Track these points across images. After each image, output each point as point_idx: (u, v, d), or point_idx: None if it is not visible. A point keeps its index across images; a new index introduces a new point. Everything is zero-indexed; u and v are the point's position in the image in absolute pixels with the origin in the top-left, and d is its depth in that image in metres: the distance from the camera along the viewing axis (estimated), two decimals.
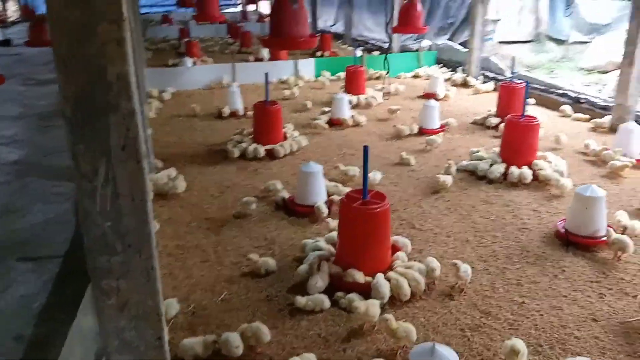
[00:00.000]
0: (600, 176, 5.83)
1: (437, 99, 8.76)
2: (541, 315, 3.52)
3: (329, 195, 5.14)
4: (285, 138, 6.92)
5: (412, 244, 4.28)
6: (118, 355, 2.29)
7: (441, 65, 12.08)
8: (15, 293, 3.84)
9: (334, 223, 4.52)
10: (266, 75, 6.85)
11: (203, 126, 8.03)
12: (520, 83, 7.76)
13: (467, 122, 7.97)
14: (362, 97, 9.03)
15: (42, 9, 22.37)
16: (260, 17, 22.86)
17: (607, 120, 7.50)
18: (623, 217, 4.50)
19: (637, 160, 6.01)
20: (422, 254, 4.28)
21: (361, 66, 9.45)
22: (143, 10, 20.87)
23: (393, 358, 3.13)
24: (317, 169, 5.02)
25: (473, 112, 8.46)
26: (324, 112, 8.23)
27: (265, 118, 6.74)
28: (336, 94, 8.24)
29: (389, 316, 3.18)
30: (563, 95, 8.84)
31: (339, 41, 17.39)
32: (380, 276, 3.65)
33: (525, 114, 5.87)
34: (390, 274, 3.72)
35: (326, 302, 3.60)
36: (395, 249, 4.07)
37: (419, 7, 8.47)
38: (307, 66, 11.39)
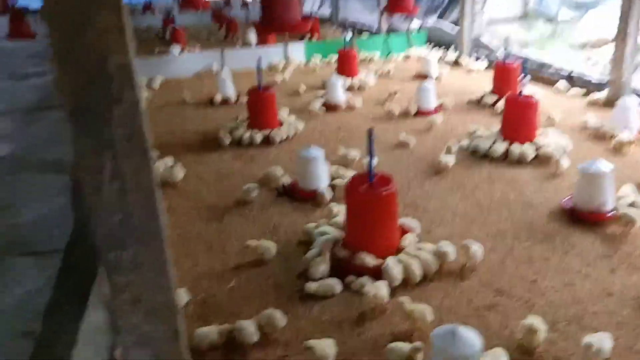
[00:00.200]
0: (600, 151, 5.81)
1: (428, 80, 8.68)
2: (555, 291, 3.49)
3: (332, 179, 5.06)
4: (280, 124, 6.81)
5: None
6: (135, 350, 2.22)
7: (432, 45, 11.98)
8: (19, 289, 3.72)
9: (337, 208, 4.44)
10: (258, 60, 6.72)
11: (195, 114, 7.88)
12: (515, 61, 7.71)
13: (462, 102, 7.91)
14: (355, 79, 8.93)
15: (20, 1, 21.81)
16: (244, 3, 22.54)
17: (602, 95, 7.48)
18: (630, 191, 4.48)
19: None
20: (430, 234, 4.23)
21: (353, 49, 9.32)
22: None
23: (409, 340, 3.08)
24: (318, 153, 4.93)
25: (468, 91, 8.40)
26: (318, 96, 8.11)
27: (260, 104, 6.62)
28: (330, 78, 8.13)
29: (404, 298, 3.13)
30: (557, 72, 8.81)
31: (326, 24, 17.18)
32: (390, 259, 3.60)
33: (524, 91, 5.82)
34: (401, 256, 3.68)
35: (337, 286, 3.55)
36: (403, 231, 4.01)
37: None
38: (297, 50, 11.23)
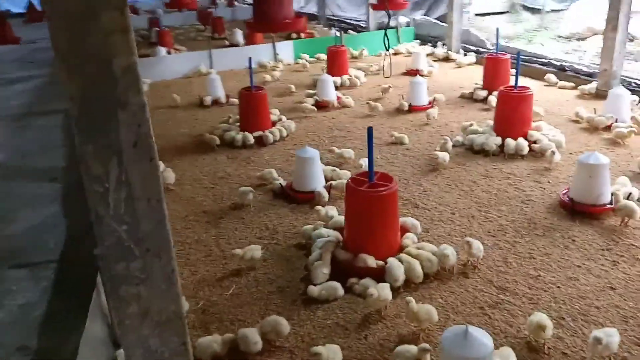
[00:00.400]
0: (594, 143, 5.83)
1: (421, 75, 8.66)
2: (558, 287, 3.48)
3: (326, 179, 5.02)
4: (273, 124, 6.75)
5: None
6: None
7: (420, 41, 11.96)
8: (13, 302, 3.64)
9: (332, 211, 4.39)
10: (250, 60, 6.65)
11: (186, 116, 7.78)
12: (505, 54, 7.72)
13: (454, 97, 7.90)
14: (345, 77, 8.88)
15: (4, 5, 21.46)
16: (230, 2, 22.38)
17: (592, 86, 7.51)
18: (626, 183, 4.49)
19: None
20: (430, 233, 4.21)
21: (342, 46, 9.27)
22: None
23: (416, 342, 3.05)
24: (313, 153, 4.88)
25: (459, 86, 8.40)
26: (309, 95, 8.05)
27: (252, 104, 6.55)
28: (320, 76, 8.07)
29: (410, 299, 3.10)
30: (546, 64, 8.83)
31: (313, 22, 17.10)
32: (392, 259, 3.57)
33: (518, 84, 5.80)
34: (402, 256, 3.64)
35: (340, 289, 3.50)
36: (403, 230, 3.98)
37: None
38: (285, 49, 11.15)
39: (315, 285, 3.52)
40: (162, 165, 5.63)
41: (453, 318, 3.26)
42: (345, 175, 5.07)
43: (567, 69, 8.50)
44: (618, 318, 3.16)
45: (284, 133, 6.58)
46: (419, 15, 13.08)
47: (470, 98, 7.73)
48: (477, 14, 13.53)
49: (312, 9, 18.86)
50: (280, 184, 5.03)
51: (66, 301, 3.60)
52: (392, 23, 12.85)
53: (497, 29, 7.83)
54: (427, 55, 10.47)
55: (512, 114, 5.72)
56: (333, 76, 8.40)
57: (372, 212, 3.65)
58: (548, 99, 7.47)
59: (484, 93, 7.57)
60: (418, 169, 5.46)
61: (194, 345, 3.03)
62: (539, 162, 5.40)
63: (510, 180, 5.07)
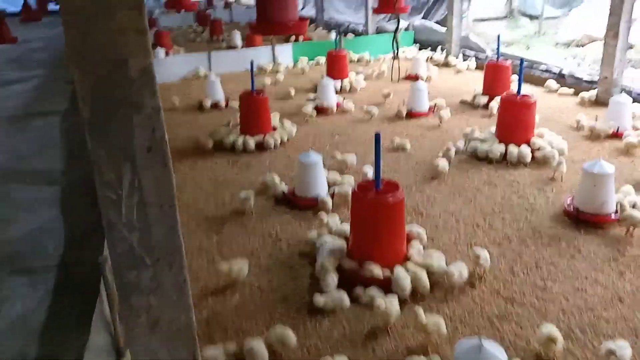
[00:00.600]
0: (596, 151, 5.83)
1: (420, 81, 8.64)
2: (566, 298, 3.45)
3: (329, 185, 4.98)
4: (274, 128, 6.70)
5: None
6: None
7: (419, 45, 11.96)
8: (12, 310, 3.57)
9: (335, 218, 4.34)
10: (251, 63, 6.60)
11: (186, 120, 7.72)
12: (506, 60, 7.72)
13: (454, 102, 7.88)
14: (345, 81, 8.85)
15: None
16: (227, 4, 22.33)
17: (593, 93, 7.51)
18: (631, 192, 4.48)
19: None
20: (435, 241, 4.17)
21: (342, 50, 9.24)
22: None
23: (424, 354, 3.01)
24: (316, 159, 4.84)
25: (459, 91, 8.39)
26: (310, 99, 8.01)
27: (253, 108, 6.50)
28: (321, 80, 8.03)
29: (419, 311, 3.06)
30: (547, 70, 8.84)
31: (311, 25, 17.08)
32: (399, 269, 3.52)
33: (520, 91, 5.79)
34: (409, 265, 3.60)
35: (346, 299, 3.45)
36: (409, 238, 3.94)
37: None
38: (284, 52, 11.12)
39: (324, 292, 3.47)
40: None
41: (461, 330, 3.22)
42: (349, 181, 5.02)
43: (566, 75, 8.50)
44: (627, 330, 3.13)
45: (285, 137, 6.53)
46: (417, 20, 13.09)
47: (471, 104, 7.72)
48: (475, 20, 13.57)
49: (310, 12, 18.85)
50: (282, 190, 4.98)
51: (68, 308, 3.54)
52: (392, 27, 12.88)
53: (498, 36, 7.83)
54: (427, 60, 10.46)
55: (515, 121, 5.71)
56: (333, 80, 8.37)
57: (379, 220, 3.61)
58: (548, 106, 7.46)
59: (484, 99, 7.56)
60: (421, 175, 5.43)
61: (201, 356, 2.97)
62: (542, 170, 5.38)
63: (514, 188, 5.05)
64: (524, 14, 14.00)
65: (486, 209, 4.69)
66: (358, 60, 10.94)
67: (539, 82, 8.57)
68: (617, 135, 6.08)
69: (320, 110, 7.61)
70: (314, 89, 8.69)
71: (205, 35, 15.69)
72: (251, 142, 6.28)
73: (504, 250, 4.04)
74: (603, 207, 4.26)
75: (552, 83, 8.28)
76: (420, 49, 11.66)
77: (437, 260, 3.64)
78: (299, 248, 4.19)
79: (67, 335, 3.26)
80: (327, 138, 6.68)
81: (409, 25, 12.74)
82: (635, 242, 4.03)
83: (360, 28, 14.41)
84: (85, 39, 1.61)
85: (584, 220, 4.31)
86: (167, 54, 11.78)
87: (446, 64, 10.36)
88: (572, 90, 8.00)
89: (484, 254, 3.65)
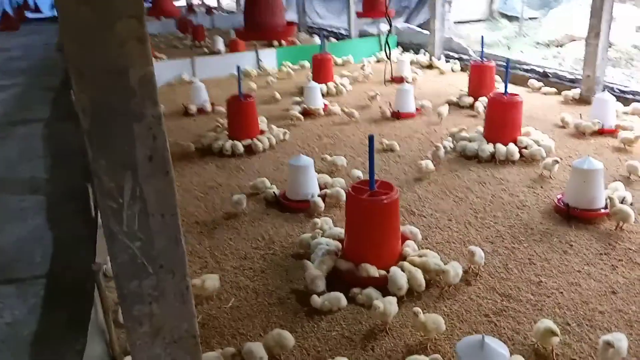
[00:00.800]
0: (582, 148, 5.90)
1: (406, 82, 8.69)
2: (561, 293, 3.48)
3: (320, 187, 4.96)
4: (261, 132, 6.67)
5: None
6: None
7: (402, 48, 12.03)
8: (1, 320, 3.48)
9: (328, 220, 4.33)
10: (238, 68, 6.57)
11: (172, 125, 7.64)
12: (489, 61, 7.80)
13: (440, 104, 7.91)
14: (331, 84, 8.86)
15: None
16: (208, 10, 22.24)
17: (576, 92, 7.63)
18: (620, 187, 4.54)
19: (611, 129, 6.15)
20: (429, 240, 4.18)
21: (327, 54, 9.26)
22: None
23: (424, 352, 3.01)
24: (307, 161, 4.82)
25: (444, 93, 8.45)
26: (296, 103, 8.00)
27: (240, 112, 6.46)
28: (307, 83, 8.03)
29: (418, 310, 3.05)
30: (529, 70, 8.95)
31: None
32: (395, 268, 3.52)
33: (506, 91, 5.85)
34: (404, 264, 3.60)
35: (343, 300, 3.44)
36: (403, 238, 3.94)
37: None
38: (268, 56, 11.10)
39: (317, 294, 3.46)
40: None
41: (459, 327, 3.22)
42: (339, 183, 5.02)
43: (549, 75, 8.63)
44: (622, 323, 3.16)
45: (273, 141, 6.51)
46: (400, 23, 13.18)
47: (456, 104, 7.78)
48: (456, 22, 13.71)
49: (291, 16, 18.87)
50: (274, 192, 4.96)
51: (59, 318, 3.46)
52: (374, 31, 12.96)
53: (482, 37, 7.91)
54: (411, 62, 10.52)
55: (503, 120, 5.76)
56: (318, 84, 8.37)
57: (375, 220, 3.61)
58: (532, 105, 7.55)
59: (470, 100, 7.62)
60: (411, 175, 5.44)
61: None
62: (531, 167, 5.44)
63: (504, 186, 5.09)
64: (504, 16, 14.18)
65: (477, 207, 4.72)
66: (342, 64, 10.96)
67: (522, 81, 8.67)
68: (601, 132, 6.17)
69: (307, 114, 7.60)
70: (300, 93, 8.69)
71: (188, 42, 15.59)
72: (239, 146, 6.24)
73: (497, 247, 4.07)
74: (593, 202, 4.31)
75: (535, 82, 8.38)
76: (403, 52, 11.73)
77: (432, 258, 3.65)
78: (292, 250, 4.16)
79: (60, 345, 3.19)
80: (315, 141, 6.67)
81: (390, 29, 12.80)
82: (625, 236, 4.09)
83: (343, 32, 14.46)
84: (85, 49, 1.58)
85: (574, 215, 4.36)
86: None
87: (430, 66, 10.44)
88: (554, 89, 8.12)
89: (479, 252, 3.66)
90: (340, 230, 4.07)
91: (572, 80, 8.14)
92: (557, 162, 5.08)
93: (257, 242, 4.32)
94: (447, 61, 10.41)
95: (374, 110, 7.76)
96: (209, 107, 8.18)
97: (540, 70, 8.83)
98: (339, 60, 10.98)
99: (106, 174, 1.72)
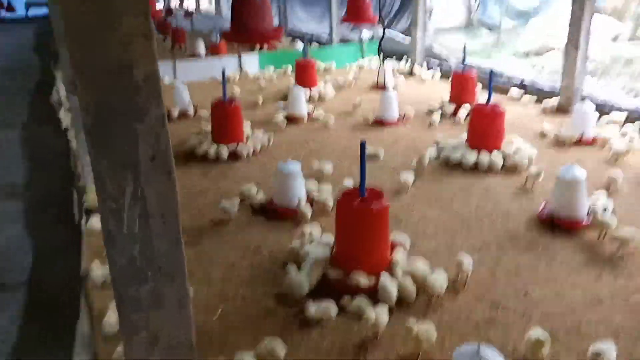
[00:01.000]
0: (564, 158, 6.01)
1: (387, 89, 8.73)
2: (548, 302, 3.53)
3: (308, 194, 4.94)
4: (246, 137, 6.62)
5: None
6: None
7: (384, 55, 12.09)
8: None
9: (314, 228, 4.31)
10: (223, 71, 6.51)
11: None
12: (471, 70, 7.90)
13: (422, 111, 7.99)
14: (315, 90, 8.86)
15: None
16: (187, 13, 22.02)
17: (555, 102, 7.77)
18: (602, 197, 4.63)
19: (591, 139, 6.29)
20: (416, 248, 4.19)
21: (311, 59, 9.25)
22: None
23: None
24: (295, 168, 4.80)
25: (426, 100, 8.50)
26: (280, 108, 7.97)
27: (225, 117, 6.40)
28: (291, 89, 8.01)
29: (411, 325, 3.05)
30: (509, 80, 9.09)
31: None
32: (385, 276, 3.52)
33: (489, 100, 5.93)
34: (395, 272, 3.60)
35: (333, 309, 3.42)
36: (392, 245, 3.95)
37: None
38: (250, 61, 11.04)
39: (300, 294, 3.47)
40: None
41: (449, 336, 3.23)
42: (327, 189, 5.01)
43: (528, 84, 8.78)
44: (609, 332, 3.21)
45: (258, 146, 6.47)
46: (381, 30, 13.24)
47: (433, 114, 7.82)
48: (436, 30, 13.86)
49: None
50: (259, 199, 4.92)
51: (35, 328, 3.36)
52: (355, 37, 13.02)
53: (464, 46, 8.01)
54: (392, 70, 10.58)
55: (486, 129, 5.84)
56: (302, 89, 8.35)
57: (365, 227, 3.60)
58: (512, 114, 7.64)
59: (452, 108, 7.70)
60: (397, 183, 5.45)
61: None
62: (515, 176, 5.52)
63: (488, 195, 5.15)
64: (483, 25, 14.40)
65: (463, 215, 4.76)
66: (325, 70, 10.97)
67: (502, 91, 8.80)
68: (581, 141, 6.30)
69: (291, 119, 7.58)
70: (283, 98, 8.66)
71: (167, 44, 15.40)
72: (224, 151, 6.18)
73: (483, 256, 4.10)
74: (576, 212, 4.38)
75: (514, 92, 8.51)
76: (385, 59, 11.79)
77: (422, 267, 3.66)
78: (281, 258, 4.13)
79: (44, 354, 3.09)
80: (301, 147, 6.65)
81: (373, 35, 12.90)
82: (608, 245, 4.17)
83: (324, 37, 14.48)
84: (89, 47, 1.55)
85: (558, 225, 4.42)
86: None
87: (411, 74, 10.52)
88: (534, 99, 8.25)
89: (468, 260, 3.69)
90: (330, 238, 4.06)
91: (550, 90, 8.30)
92: (541, 172, 5.15)
93: (244, 250, 4.28)
94: (428, 69, 10.51)
95: (358, 116, 7.78)
96: (191, 111, 8.08)
97: (519, 79, 8.97)
98: (322, 66, 10.98)
99: (107, 175, 1.68)
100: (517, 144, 6.01)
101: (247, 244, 4.36)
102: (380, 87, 9.20)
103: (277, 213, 4.75)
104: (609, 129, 6.50)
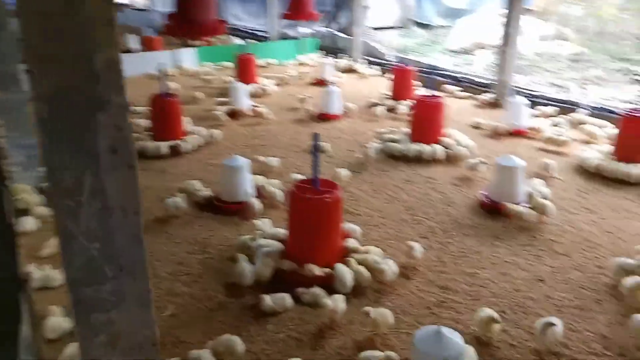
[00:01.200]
0: (499, 148, 6.28)
1: (330, 85, 8.79)
2: (494, 282, 3.67)
3: (256, 189, 4.87)
4: (186, 133, 6.44)
5: None
6: None
7: (323, 52, 12.16)
8: None
9: (265, 222, 4.26)
10: (161, 66, 6.30)
11: None
12: (410, 66, 8.10)
13: (364, 106, 8.09)
14: (255, 85, 8.76)
15: None
16: (119, 6, 21.18)
17: (488, 96, 8.11)
18: (538, 183, 4.88)
19: (524, 130, 6.62)
20: (366, 238, 4.23)
21: (252, 54, 9.14)
22: None
23: (373, 347, 3.03)
24: (242, 162, 4.72)
25: (366, 96, 8.63)
26: (220, 103, 7.81)
27: (164, 112, 6.20)
28: (232, 83, 7.88)
29: (368, 309, 3.08)
30: (444, 75, 9.39)
31: None
32: (340, 266, 3.53)
33: (427, 94, 6.10)
34: (350, 261, 3.62)
35: (288, 300, 3.39)
36: (344, 236, 3.97)
37: None
38: (187, 56, 10.75)
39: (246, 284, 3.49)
40: None
41: (404, 320, 3.29)
42: (275, 184, 4.96)
43: (462, 80, 9.11)
44: (552, 307, 3.39)
45: (199, 142, 6.31)
46: (317, 28, 13.30)
47: (377, 107, 7.96)
48: (372, 28, 14.09)
49: None
50: (206, 194, 4.80)
51: None
52: (293, 33, 13.01)
53: (404, 44, 8.19)
54: (333, 66, 10.65)
55: (427, 122, 6.00)
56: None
57: (320, 218, 3.60)
58: (450, 108, 7.90)
59: (392, 102, 7.85)
60: (343, 175, 5.48)
61: None
62: (455, 166, 5.70)
63: (431, 184, 5.29)
64: (417, 23, 14.78)
65: (408, 204, 4.86)
66: (265, 66, 10.87)
67: (438, 86, 9.06)
68: (515, 133, 6.60)
69: (233, 115, 7.45)
70: (223, 94, 8.50)
71: None
72: (163, 147, 5.99)
73: (431, 242, 4.21)
74: (515, 197, 4.59)
75: (450, 87, 8.80)
76: (324, 56, 11.86)
77: (374, 255, 3.71)
78: (230, 253, 4.03)
79: None
80: (244, 142, 6.55)
81: (313, 32, 12.92)
82: (545, 228, 4.40)
83: (261, 34, 14.35)
84: (45, 31, 1.44)
85: (498, 210, 4.61)
86: None
87: (351, 70, 10.63)
88: (468, 94, 8.57)
89: (418, 247, 3.77)
90: (281, 231, 4.02)
91: (483, 85, 8.65)
92: (482, 162, 5.34)
93: (191, 247, 4.16)
94: (369, 66, 10.66)
95: (301, 111, 7.77)
96: None
97: (454, 75, 9.29)
98: (262, 62, 10.87)
99: (65, 169, 1.57)
100: (456, 135, 6.22)
101: (194, 240, 4.25)
102: (322, 82, 9.23)
103: (224, 208, 4.65)
104: (541, 121, 6.86)
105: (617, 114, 6.55)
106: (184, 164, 5.88)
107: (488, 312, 3.09)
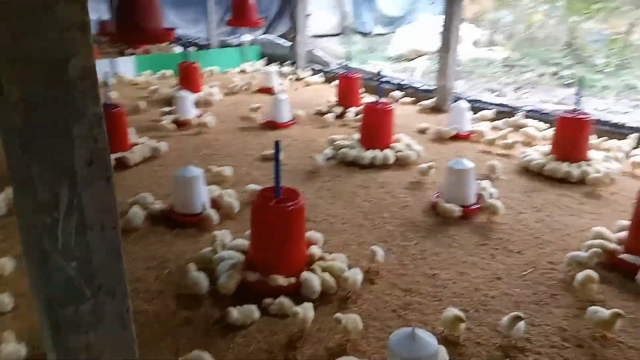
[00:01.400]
0: (446, 151, 6.49)
1: (273, 93, 8.77)
2: (454, 282, 3.78)
3: (212, 199, 4.78)
4: (132, 144, 6.23)
5: None
6: None
7: (265, 59, 12.14)
8: None
9: (224, 233, 4.19)
10: (105, 75, 6.06)
11: None
12: (356, 73, 8.24)
13: (311, 113, 8.14)
14: (200, 94, 8.60)
15: None
16: None
17: (431, 101, 8.38)
18: (487, 184, 5.08)
19: (467, 134, 6.88)
20: (328, 244, 4.25)
21: (194, 62, 8.98)
22: None
23: (344, 353, 3.04)
24: (196, 173, 4.62)
25: (313, 103, 8.68)
26: (165, 113, 7.62)
27: (109, 124, 5.92)
28: (177, 93, 7.71)
29: (339, 315, 3.09)
30: (387, 82, 9.60)
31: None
32: (307, 273, 3.53)
33: (379, 100, 6.23)
34: (315, 269, 3.62)
35: (255, 312, 3.34)
36: (308, 243, 3.96)
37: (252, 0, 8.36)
38: (126, 65, 10.42)
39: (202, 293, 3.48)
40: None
41: (372, 324, 3.32)
42: (230, 194, 4.89)
43: (405, 86, 9.36)
44: (511, 304, 3.53)
45: (147, 153, 6.12)
46: (257, 35, 13.26)
47: (327, 114, 8.04)
48: (313, 36, 14.21)
49: None
50: (159, 207, 4.66)
51: None
52: (236, 41, 12.90)
53: (349, 52, 8.32)
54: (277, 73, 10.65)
55: (377, 128, 6.11)
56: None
57: (284, 227, 3.57)
58: (395, 114, 8.11)
59: (339, 109, 7.95)
60: (298, 183, 5.48)
61: None
62: (405, 170, 5.84)
63: (385, 189, 5.39)
64: (356, 31, 15.05)
65: (365, 209, 4.93)
66: (208, 74, 10.71)
67: (386, 93, 9.25)
68: (458, 136, 6.85)
69: (180, 124, 7.28)
70: (167, 103, 8.30)
71: None
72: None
73: (390, 246, 4.28)
74: (467, 198, 4.76)
75: (395, 93, 9.02)
76: (267, 64, 11.84)
77: (339, 261, 3.73)
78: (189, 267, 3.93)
79: None
80: (193, 152, 6.41)
81: (254, 39, 12.87)
82: (496, 227, 4.58)
83: (200, 41, 14.14)
84: (17, 37, 1.36)
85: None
86: None
87: (295, 78, 10.66)
88: (411, 99, 8.82)
89: (380, 251, 3.83)
90: (242, 242, 3.96)
91: (425, 91, 8.92)
92: (432, 167, 5.49)
93: (148, 262, 4.01)
94: (315, 73, 10.73)
95: (249, 120, 7.71)
96: None
97: (397, 82, 9.53)
98: (205, 70, 10.70)
99: (40, 183, 1.48)
100: (404, 140, 6.37)
101: (151, 255, 4.10)
102: (268, 90, 9.20)
103: (179, 221, 4.53)
104: (482, 125, 7.16)
105: (552, 115, 6.95)
106: (132, 177, 5.68)
107: (454, 311, 3.18)
